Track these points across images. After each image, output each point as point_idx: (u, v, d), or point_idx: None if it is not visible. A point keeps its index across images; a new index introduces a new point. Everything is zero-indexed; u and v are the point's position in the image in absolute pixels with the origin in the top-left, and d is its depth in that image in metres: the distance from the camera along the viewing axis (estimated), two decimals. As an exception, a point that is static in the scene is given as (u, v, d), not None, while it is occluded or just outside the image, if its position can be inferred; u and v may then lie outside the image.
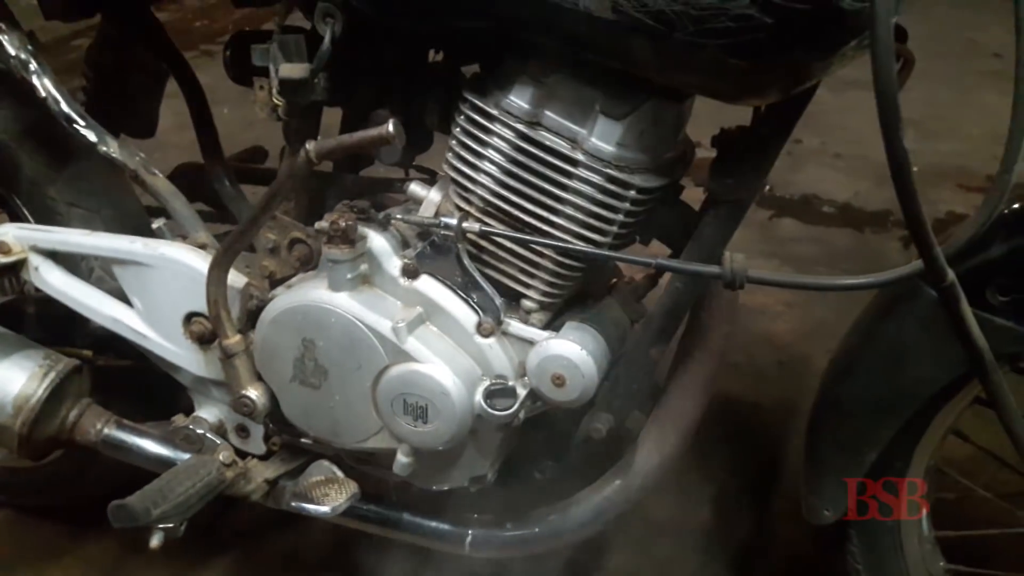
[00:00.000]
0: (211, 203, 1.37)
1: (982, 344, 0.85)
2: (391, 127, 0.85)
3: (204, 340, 1.10)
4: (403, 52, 1.03)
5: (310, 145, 0.89)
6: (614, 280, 1.11)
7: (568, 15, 0.78)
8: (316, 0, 0.94)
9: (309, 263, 1.09)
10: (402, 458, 1.03)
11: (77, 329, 1.24)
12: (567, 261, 0.96)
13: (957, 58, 3.12)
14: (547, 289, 0.99)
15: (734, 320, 1.11)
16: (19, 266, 1.17)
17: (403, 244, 1.02)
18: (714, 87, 0.84)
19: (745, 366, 1.90)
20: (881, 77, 0.68)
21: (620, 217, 0.93)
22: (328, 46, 0.95)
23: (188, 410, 1.19)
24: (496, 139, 0.93)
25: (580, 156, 0.91)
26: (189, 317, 1.10)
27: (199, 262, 1.07)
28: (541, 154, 0.92)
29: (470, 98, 0.94)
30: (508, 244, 0.98)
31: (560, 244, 0.94)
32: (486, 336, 0.98)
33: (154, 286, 1.11)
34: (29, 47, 1.15)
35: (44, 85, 1.14)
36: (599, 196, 0.92)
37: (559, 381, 0.96)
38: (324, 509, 1.03)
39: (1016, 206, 0.95)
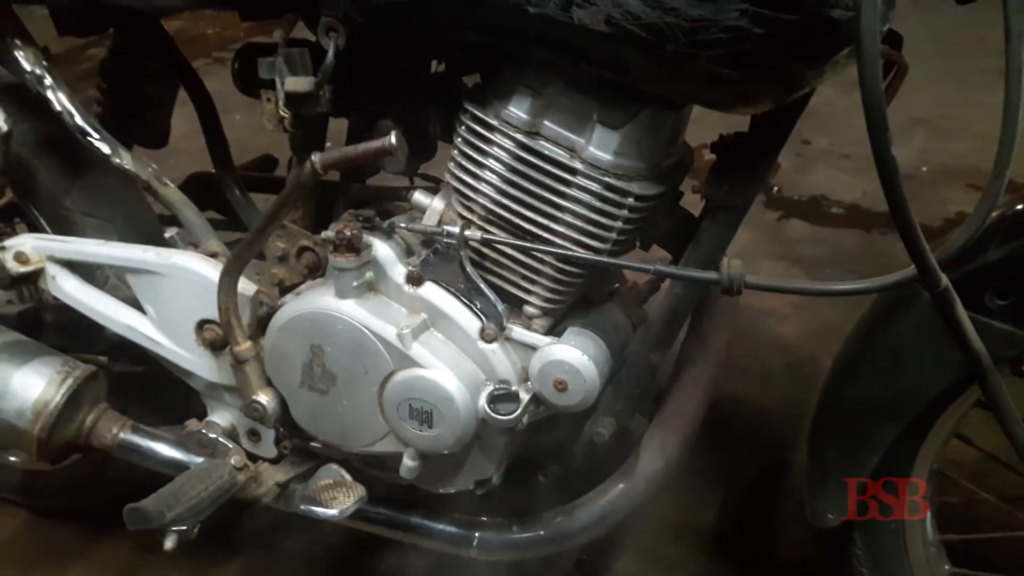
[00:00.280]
0: (222, 211, 1.40)
1: (979, 348, 0.86)
2: (393, 139, 0.87)
3: (216, 347, 1.13)
4: (405, 63, 1.05)
5: (315, 157, 0.91)
6: (616, 285, 1.13)
7: (563, 28, 0.80)
8: (319, 14, 0.97)
9: (317, 270, 1.11)
10: (408, 462, 1.05)
11: (93, 336, 1.26)
12: (568, 268, 0.98)
13: (966, 56, 3.10)
14: (548, 295, 1.01)
15: (735, 325, 1.12)
16: (37, 275, 1.20)
17: (407, 252, 1.03)
18: (707, 96, 0.85)
19: (752, 368, 1.90)
20: (867, 86, 0.69)
21: (619, 224, 0.95)
22: (332, 59, 0.97)
23: (201, 415, 1.22)
24: (496, 149, 0.95)
25: (578, 165, 0.93)
26: (201, 324, 1.12)
27: (210, 270, 1.10)
28: (540, 163, 0.94)
29: (470, 109, 0.96)
30: (510, 251, 0.99)
31: (560, 251, 0.95)
32: (489, 342, 1.00)
33: (167, 294, 1.13)
34: (44, 62, 1.17)
35: (59, 99, 1.17)
36: (598, 204, 0.94)
37: (561, 386, 0.97)
38: (332, 512, 1.05)
39: (1012, 210, 0.95)
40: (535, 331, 1.02)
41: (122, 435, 1.21)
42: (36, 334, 1.26)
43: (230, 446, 1.15)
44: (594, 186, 0.93)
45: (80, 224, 1.29)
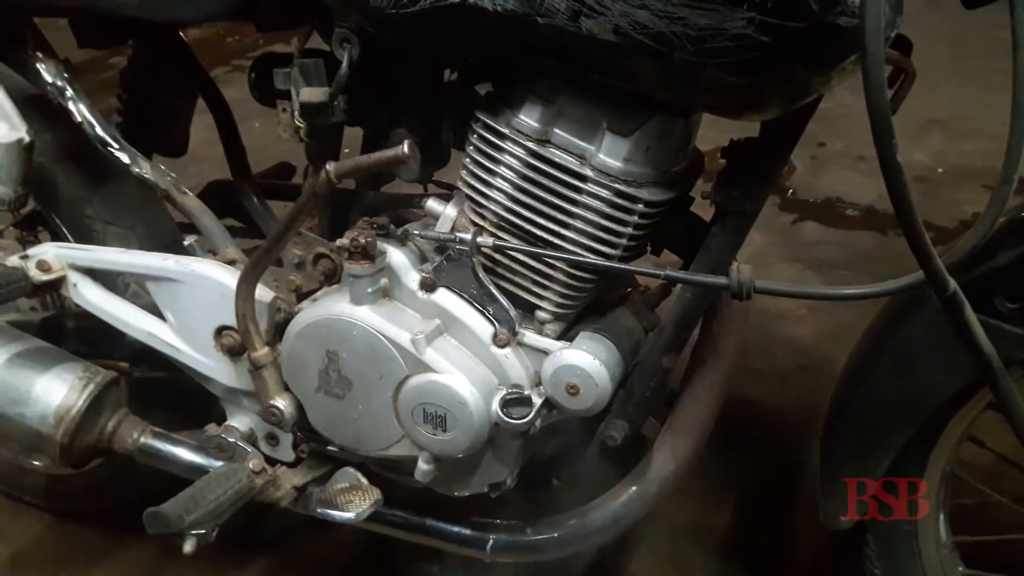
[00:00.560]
0: (240, 219, 1.42)
1: (990, 351, 0.86)
2: (406, 148, 0.89)
3: (234, 352, 1.14)
4: (418, 73, 1.06)
5: (330, 166, 0.92)
6: (628, 289, 1.14)
7: (572, 38, 0.81)
8: (333, 26, 0.98)
9: (334, 277, 1.12)
10: (423, 465, 1.06)
11: (114, 342, 1.28)
12: (579, 273, 0.99)
13: (982, 57, 3.08)
14: (560, 300, 1.02)
15: (746, 328, 1.12)
16: (59, 283, 1.22)
17: (421, 258, 1.05)
18: (715, 104, 0.86)
19: (767, 371, 1.90)
20: (872, 93, 0.70)
21: (629, 230, 0.96)
22: (346, 70, 0.98)
23: (220, 419, 1.23)
24: (507, 157, 0.96)
25: (589, 172, 0.94)
26: (220, 330, 1.14)
27: (228, 278, 1.11)
28: (551, 171, 0.95)
29: (482, 117, 0.97)
30: (521, 257, 1.00)
31: (571, 257, 0.97)
32: (502, 347, 1.01)
33: (186, 301, 1.15)
34: (65, 74, 1.20)
35: (80, 110, 1.19)
36: (608, 210, 0.95)
37: (573, 390, 0.98)
38: (348, 515, 1.06)
39: (1022, 214, 0.95)
40: (547, 336, 1.04)
41: (143, 440, 1.23)
42: (58, 341, 1.28)
43: (249, 450, 1.16)
44: (604, 193, 0.94)
45: (101, 232, 1.31)
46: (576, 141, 0.94)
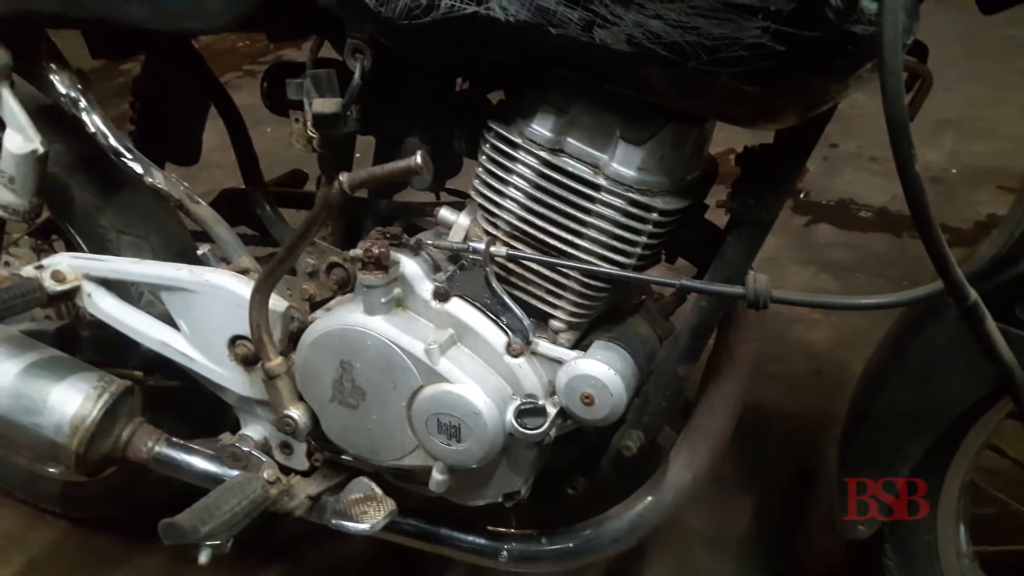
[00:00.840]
0: (253, 227, 1.42)
1: (1011, 360, 0.85)
2: (419, 159, 0.88)
3: (248, 362, 1.14)
4: (430, 82, 1.06)
5: (343, 177, 0.92)
6: (643, 298, 1.13)
7: (585, 48, 0.81)
8: (345, 36, 0.98)
9: (347, 286, 1.12)
10: (437, 475, 1.06)
11: (128, 351, 1.29)
12: (593, 282, 0.99)
13: (997, 56, 3.06)
14: (574, 310, 1.01)
15: (762, 336, 1.11)
16: (73, 293, 1.22)
17: (434, 268, 1.04)
18: (730, 113, 0.85)
19: (782, 375, 1.89)
20: (890, 102, 0.69)
21: (643, 239, 0.95)
22: (358, 81, 0.98)
23: (234, 427, 1.24)
24: (520, 166, 0.96)
25: (602, 181, 0.93)
26: (233, 340, 1.14)
27: (242, 288, 1.11)
28: (564, 180, 0.95)
29: (494, 127, 0.97)
30: (535, 267, 1.00)
31: (585, 266, 0.96)
32: (516, 356, 1.01)
33: (200, 311, 1.15)
34: (78, 85, 1.20)
35: (93, 121, 1.20)
36: (622, 219, 0.94)
37: (588, 400, 0.98)
38: (363, 527, 1.06)
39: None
40: (561, 345, 1.03)
41: (157, 448, 1.23)
42: (72, 350, 1.29)
43: (263, 459, 1.16)
44: (618, 202, 0.93)
45: (115, 242, 1.31)
46: (589, 150, 0.94)
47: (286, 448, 1.20)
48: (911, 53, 0.91)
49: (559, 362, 1.01)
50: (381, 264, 0.98)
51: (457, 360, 1.01)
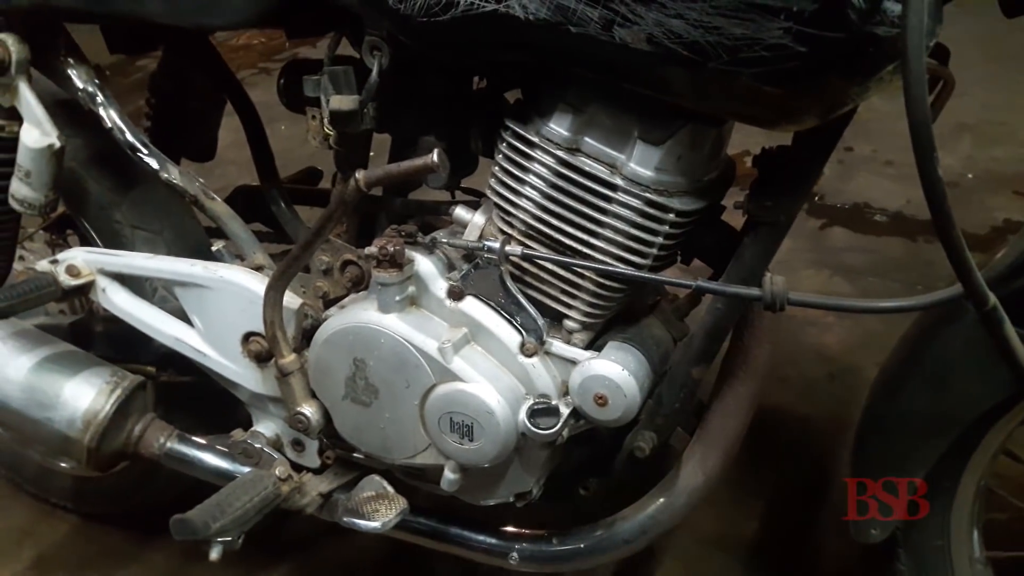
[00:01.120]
0: (267, 223, 1.42)
1: (1029, 365, 0.85)
2: (436, 157, 0.88)
3: (261, 358, 1.14)
4: (447, 80, 1.06)
5: (360, 174, 0.92)
6: (657, 298, 1.13)
7: (605, 47, 0.80)
8: (363, 34, 0.98)
9: (361, 283, 1.12)
10: (449, 474, 1.06)
11: (141, 346, 1.29)
12: (608, 283, 0.98)
13: (1014, 60, 3.04)
14: (589, 310, 1.01)
15: (777, 339, 1.11)
16: (88, 288, 1.23)
17: (449, 267, 1.04)
18: (750, 114, 0.85)
19: (795, 378, 1.88)
20: (914, 106, 0.68)
21: (659, 240, 0.95)
22: (376, 78, 0.98)
23: (246, 424, 1.24)
24: (537, 165, 0.96)
25: (619, 181, 0.93)
26: (247, 336, 1.14)
27: (256, 284, 1.12)
28: (581, 179, 0.94)
29: (511, 126, 0.97)
30: (550, 266, 1.00)
31: (601, 266, 0.96)
32: (529, 356, 1.01)
33: (213, 307, 1.16)
34: (96, 80, 1.20)
35: (110, 116, 1.20)
36: (638, 220, 0.94)
37: (601, 401, 0.98)
38: (374, 525, 1.06)
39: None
40: (575, 345, 1.03)
41: (169, 444, 1.24)
42: (86, 344, 1.29)
43: (275, 456, 1.17)
44: (635, 202, 0.93)
45: (129, 237, 1.32)
46: (607, 150, 0.93)
47: (298, 445, 1.21)
48: (932, 56, 0.90)
49: (573, 362, 1.00)
50: (396, 262, 0.98)
51: (471, 359, 1.00)
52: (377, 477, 1.11)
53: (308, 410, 1.09)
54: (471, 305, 1.02)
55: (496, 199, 1.01)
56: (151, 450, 1.24)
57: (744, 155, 1.04)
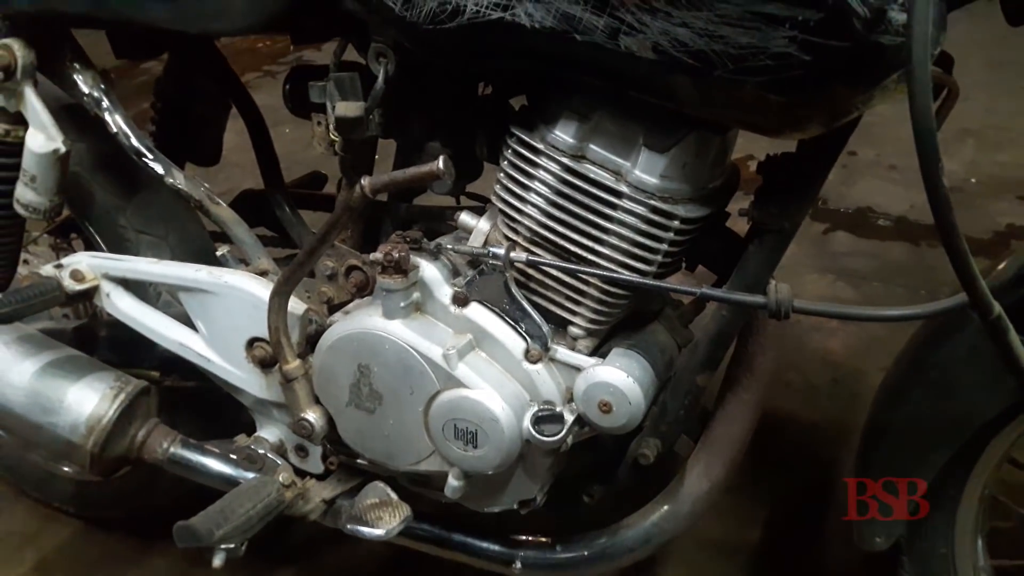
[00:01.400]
0: (272, 228, 1.42)
1: (1034, 374, 0.84)
2: (441, 164, 0.88)
3: (265, 364, 1.14)
4: (453, 87, 1.06)
5: (365, 181, 0.92)
6: (662, 305, 1.12)
7: (610, 56, 0.80)
8: (369, 40, 0.98)
9: (365, 289, 1.12)
10: (453, 481, 1.06)
11: (145, 351, 1.29)
12: (613, 290, 0.98)
13: (1017, 65, 3.04)
14: (593, 316, 1.01)
15: (782, 346, 1.11)
16: (92, 293, 1.23)
17: (453, 273, 1.04)
18: (754, 122, 0.85)
19: (799, 383, 1.88)
20: (919, 115, 0.68)
21: (664, 247, 0.95)
22: (382, 85, 0.98)
23: (249, 429, 1.24)
24: (542, 172, 0.96)
25: (624, 188, 0.93)
26: (251, 342, 1.14)
27: (261, 289, 1.11)
28: (586, 186, 0.94)
29: (517, 132, 0.97)
30: (555, 273, 1.00)
31: (605, 273, 0.96)
32: (534, 362, 1.00)
33: (218, 312, 1.16)
34: (102, 85, 1.21)
35: (115, 121, 1.20)
36: (643, 227, 0.94)
37: (606, 408, 0.97)
38: (378, 532, 1.06)
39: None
40: (580, 352, 1.03)
41: (172, 449, 1.23)
42: (90, 349, 1.29)
43: (278, 462, 1.17)
44: (640, 209, 0.93)
45: (134, 241, 1.32)
46: (612, 157, 0.93)
47: (301, 451, 1.21)
48: (936, 63, 0.90)
49: (577, 369, 1.00)
50: (401, 268, 0.98)
51: (475, 366, 1.00)
52: (381, 484, 1.11)
53: (312, 416, 1.09)
54: (476, 311, 1.02)
55: (501, 205, 1.01)
56: (154, 455, 1.23)
57: (748, 159, 1.05)
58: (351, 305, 1.12)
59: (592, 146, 0.94)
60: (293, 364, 1.08)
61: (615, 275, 0.96)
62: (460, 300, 1.02)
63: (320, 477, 1.20)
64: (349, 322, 1.05)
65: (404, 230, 1.05)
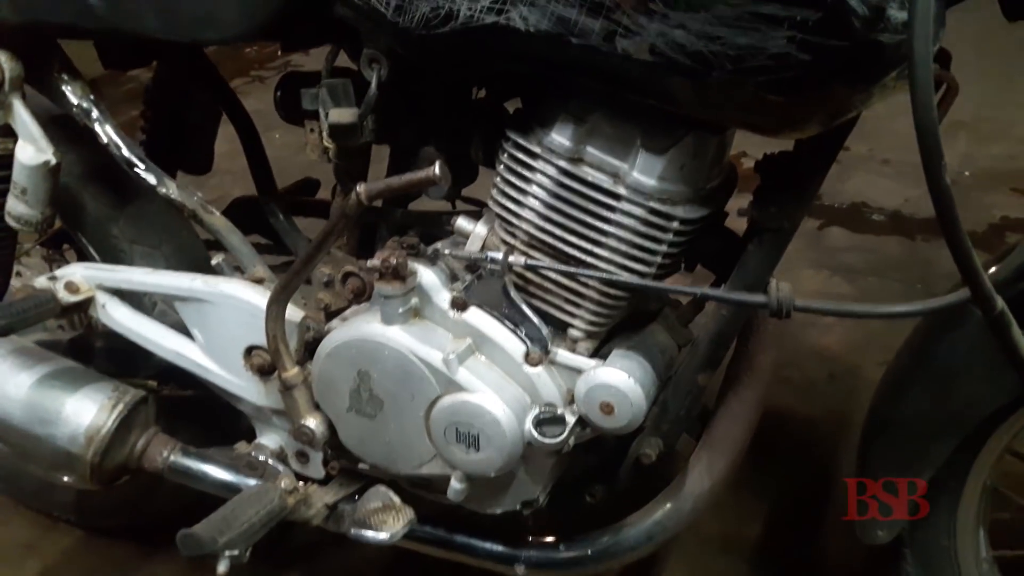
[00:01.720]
0: (266, 235, 1.42)
1: (1036, 368, 0.84)
2: (437, 170, 0.88)
3: (264, 372, 1.14)
4: (447, 91, 1.06)
5: (361, 187, 0.91)
6: (661, 305, 1.12)
7: (607, 58, 0.80)
8: (361, 46, 0.98)
9: (363, 295, 1.12)
10: (456, 484, 1.05)
11: (142, 361, 1.28)
12: (612, 291, 0.98)
13: (1010, 57, 3.05)
14: (593, 319, 1.01)
15: (782, 344, 1.11)
16: (87, 304, 1.22)
17: (452, 277, 1.04)
18: (753, 122, 0.85)
19: (796, 379, 1.88)
20: (921, 113, 0.68)
21: (663, 248, 0.95)
22: (375, 91, 0.98)
23: (250, 436, 1.23)
24: (539, 176, 0.95)
25: (622, 190, 0.93)
26: (249, 350, 1.14)
27: (257, 297, 1.11)
28: (583, 189, 0.94)
29: (513, 136, 0.97)
30: (553, 276, 0.99)
31: (605, 276, 0.95)
32: (534, 365, 1.00)
33: (214, 321, 1.15)
34: (91, 96, 1.20)
35: (106, 131, 1.19)
36: (642, 228, 0.94)
37: (607, 409, 0.97)
38: (383, 536, 1.06)
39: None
40: (580, 354, 1.02)
41: (172, 458, 1.22)
42: (86, 360, 1.28)
43: (280, 468, 1.16)
44: (638, 211, 0.93)
45: (127, 252, 1.31)
46: (609, 159, 0.93)
47: (302, 456, 1.20)
48: (935, 60, 0.90)
49: (578, 371, 1.00)
50: (399, 274, 0.98)
51: (475, 370, 1.00)
52: (383, 487, 1.11)
53: (312, 423, 1.09)
54: (475, 316, 1.01)
55: (498, 209, 1.00)
56: (154, 464, 1.22)
57: (742, 156, 1.04)
58: (349, 312, 1.12)
59: (589, 149, 0.94)
60: (292, 371, 1.08)
61: (614, 277, 0.95)
62: (459, 305, 1.02)
63: (322, 482, 1.20)
64: (348, 329, 1.05)
65: (400, 235, 1.05)
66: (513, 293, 1.00)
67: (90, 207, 1.30)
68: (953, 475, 1.07)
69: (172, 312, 1.21)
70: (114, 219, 1.30)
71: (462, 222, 1.05)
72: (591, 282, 0.97)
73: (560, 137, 0.94)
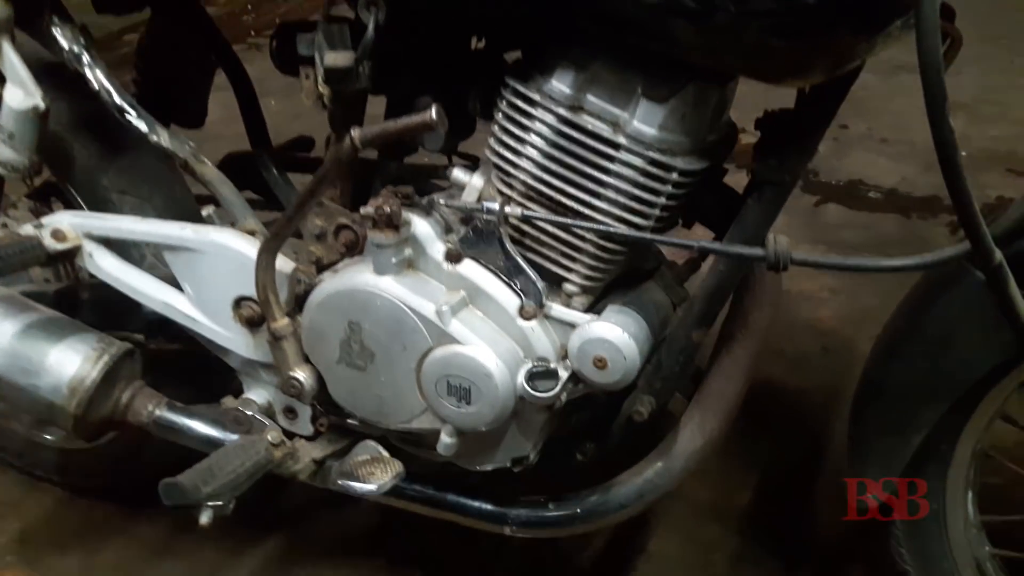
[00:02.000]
0: (259, 191, 1.40)
1: (1032, 326, 0.84)
2: (434, 113, 0.86)
3: (253, 323, 1.12)
4: (445, 39, 1.04)
5: (355, 132, 0.90)
6: (657, 263, 1.11)
7: (610, 0, 0.79)
8: (360, -11, 0.96)
9: (355, 248, 1.10)
10: (446, 439, 1.04)
11: (129, 314, 1.27)
12: (609, 245, 0.97)
13: (1007, 39, 3.05)
14: (589, 272, 1.00)
15: (777, 303, 1.10)
16: (74, 253, 1.20)
17: (447, 229, 1.03)
18: (756, 68, 0.84)
19: (789, 352, 1.88)
20: (926, 56, 0.67)
21: (662, 200, 0.94)
22: (372, 34, 0.96)
23: (237, 392, 1.22)
24: (538, 124, 0.94)
25: (622, 139, 0.92)
26: (238, 301, 1.12)
27: (248, 247, 1.09)
28: (583, 138, 0.93)
29: (512, 84, 0.95)
30: (550, 228, 0.98)
31: (602, 228, 0.94)
32: (528, 319, 0.99)
33: (204, 271, 1.13)
34: (82, 40, 1.17)
35: (97, 77, 1.17)
36: (641, 179, 0.92)
37: (601, 364, 0.96)
38: (370, 487, 1.05)
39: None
40: (574, 308, 1.01)
41: (157, 412, 1.21)
42: (72, 312, 1.26)
43: (267, 423, 1.15)
44: (637, 161, 0.92)
45: (117, 203, 1.29)
46: (609, 108, 0.92)
47: (290, 412, 1.19)
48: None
49: (572, 325, 0.99)
50: (392, 223, 0.96)
51: (468, 322, 0.99)
52: (372, 442, 1.10)
53: (301, 375, 1.08)
54: (469, 268, 1.00)
55: (495, 160, 0.99)
56: (139, 418, 1.21)
57: (741, 132, 1.04)
58: (340, 264, 1.10)
59: (589, 96, 0.92)
60: (281, 322, 1.06)
61: (611, 229, 0.94)
62: (453, 256, 1.00)
63: (310, 439, 1.18)
64: (339, 279, 1.03)
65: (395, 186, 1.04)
66: (509, 245, 0.99)
67: (79, 156, 1.27)
68: (944, 439, 1.07)
69: (161, 264, 1.19)
70: (103, 169, 1.28)
71: (458, 173, 1.03)
72: (588, 235, 0.96)
73: (560, 84, 0.92)
